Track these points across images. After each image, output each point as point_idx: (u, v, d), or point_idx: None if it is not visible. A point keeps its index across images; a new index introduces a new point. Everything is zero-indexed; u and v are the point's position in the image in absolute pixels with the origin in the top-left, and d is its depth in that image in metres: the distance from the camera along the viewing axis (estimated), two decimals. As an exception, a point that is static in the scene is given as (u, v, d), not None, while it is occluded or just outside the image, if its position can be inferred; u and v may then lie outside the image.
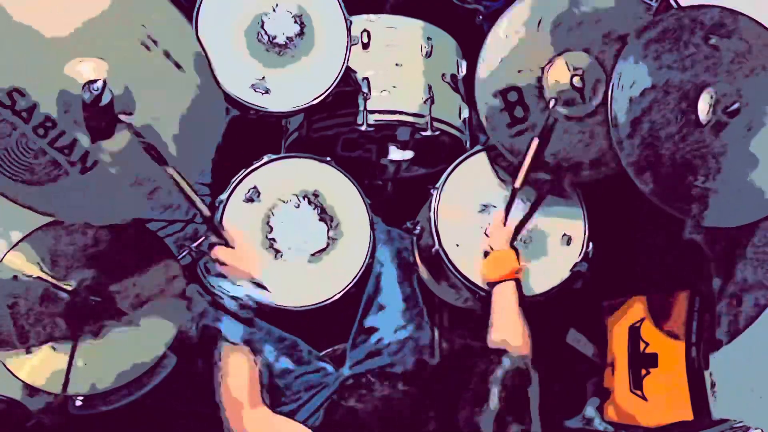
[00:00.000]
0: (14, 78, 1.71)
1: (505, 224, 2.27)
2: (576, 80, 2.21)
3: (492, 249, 2.26)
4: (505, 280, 2.19)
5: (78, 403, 2.25)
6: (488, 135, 2.29)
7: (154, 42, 1.85)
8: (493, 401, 1.66)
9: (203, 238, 2.41)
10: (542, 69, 2.25)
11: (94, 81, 1.75)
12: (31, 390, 2.12)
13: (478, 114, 2.30)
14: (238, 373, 1.98)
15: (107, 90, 1.75)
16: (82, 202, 1.80)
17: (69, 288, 2.06)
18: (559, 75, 2.23)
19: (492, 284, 2.23)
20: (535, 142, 2.21)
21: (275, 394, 2.11)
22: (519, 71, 2.25)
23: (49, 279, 2.06)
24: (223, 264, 2.03)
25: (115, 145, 1.81)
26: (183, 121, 1.89)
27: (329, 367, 2.23)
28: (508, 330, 2.10)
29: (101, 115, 1.76)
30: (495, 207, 2.37)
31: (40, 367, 2.06)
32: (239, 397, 1.95)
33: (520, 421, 1.66)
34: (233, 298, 2.02)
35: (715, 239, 2.68)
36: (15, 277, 2.07)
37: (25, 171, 1.73)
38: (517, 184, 2.24)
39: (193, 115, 1.89)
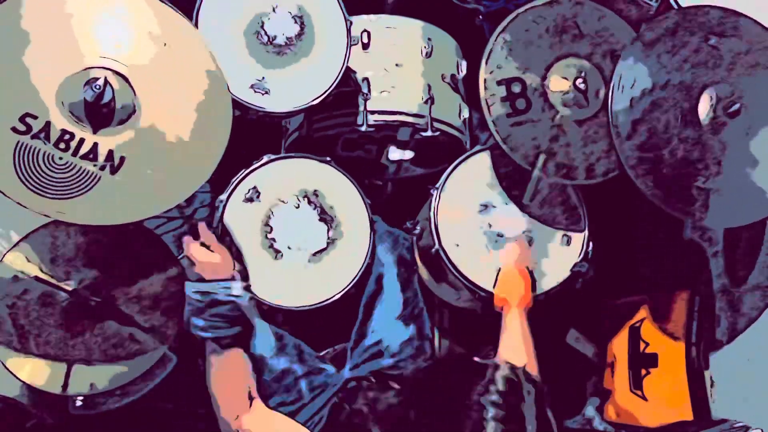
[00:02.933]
0: (22, 104, 1.74)
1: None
2: (579, 82, 2.21)
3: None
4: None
5: (78, 403, 2.24)
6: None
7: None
8: (491, 426, 1.64)
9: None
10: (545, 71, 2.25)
11: (96, 79, 1.75)
12: (31, 390, 2.12)
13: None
14: (235, 372, 1.90)
15: (108, 87, 1.75)
16: (122, 202, 1.81)
17: (69, 288, 2.06)
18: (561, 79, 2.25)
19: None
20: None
21: (275, 396, 2.11)
22: (526, 68, 2.25)
23: (49, 279, 2.06)
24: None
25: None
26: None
27: (330, 368, 2.23)
28: (512, 352, 2.03)
29: (103, 112, 1.76)
30: (495, 207, 2.37)
31: (40, 367, 2.06)
32: (236, 395, 1.87)
33: None
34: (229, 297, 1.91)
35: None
36: (15, 277, 2.07)
37: (61, 188, 1.75)
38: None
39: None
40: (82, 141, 1.76)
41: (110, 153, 1.78)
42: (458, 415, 1.65)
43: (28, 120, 1.73)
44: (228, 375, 1.88)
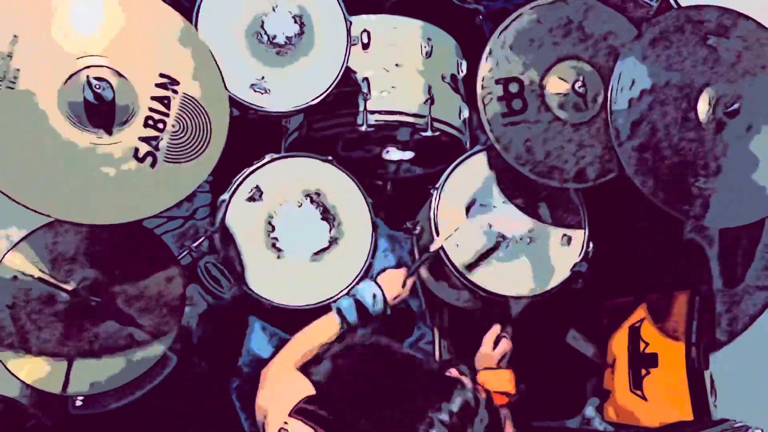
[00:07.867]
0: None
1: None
2: (578, 85, 2.21)
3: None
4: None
5: (78, 403, 2.24)
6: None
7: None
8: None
9: (203, 238, 2.41)
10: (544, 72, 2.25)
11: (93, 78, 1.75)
12: (31, 390, 2.11)
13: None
14: (313, 336, 1.96)
15: (107, 86, 1.75)
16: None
17: (69, 288, 2.06)
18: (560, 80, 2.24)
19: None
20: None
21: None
22: (525, 67, 2.25)
23: (49, 279, 2.05)
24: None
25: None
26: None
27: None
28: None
29: (105, 111, 1.76)
30: (495, 207, 2.37)
31: (40, 366, 2.05)
32: (291, 352, 1.91)
33: None
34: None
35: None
36: (15, 277, 2.06)
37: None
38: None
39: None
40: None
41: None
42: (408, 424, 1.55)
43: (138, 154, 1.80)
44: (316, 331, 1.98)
